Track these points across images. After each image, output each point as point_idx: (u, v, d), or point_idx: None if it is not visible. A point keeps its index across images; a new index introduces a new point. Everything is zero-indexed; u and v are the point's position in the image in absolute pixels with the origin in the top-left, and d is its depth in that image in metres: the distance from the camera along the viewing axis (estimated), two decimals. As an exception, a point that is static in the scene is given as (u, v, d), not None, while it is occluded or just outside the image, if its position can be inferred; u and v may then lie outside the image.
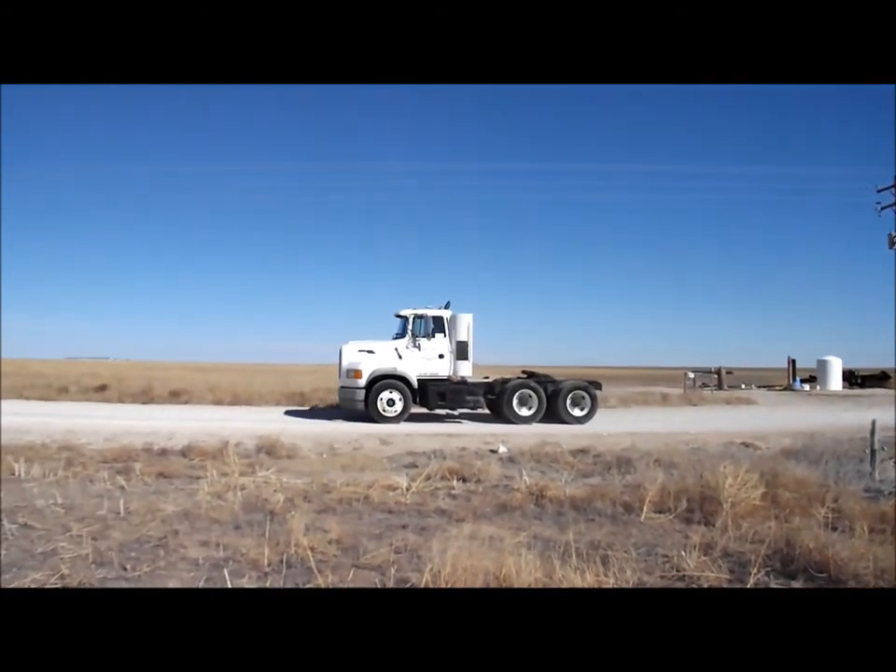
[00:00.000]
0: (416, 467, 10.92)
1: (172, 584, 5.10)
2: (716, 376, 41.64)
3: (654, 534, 7.02)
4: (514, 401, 19.22)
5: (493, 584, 4.99)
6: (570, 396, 19.45)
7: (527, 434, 15.45)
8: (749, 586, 5.28)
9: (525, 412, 19.22)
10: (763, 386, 45.15)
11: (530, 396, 19.31)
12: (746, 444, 14.44)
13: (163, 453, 11.97)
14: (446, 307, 19.85)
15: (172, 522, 7.04)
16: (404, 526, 7.13)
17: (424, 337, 19.35)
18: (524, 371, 21.54)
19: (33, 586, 4.97)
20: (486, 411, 20.34)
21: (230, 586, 5.07)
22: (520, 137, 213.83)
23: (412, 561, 5.88)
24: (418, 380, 19.17)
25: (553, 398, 19.38)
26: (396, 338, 19.65)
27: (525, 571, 5.08)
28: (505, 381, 19.87)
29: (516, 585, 4.94)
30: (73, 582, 5.11)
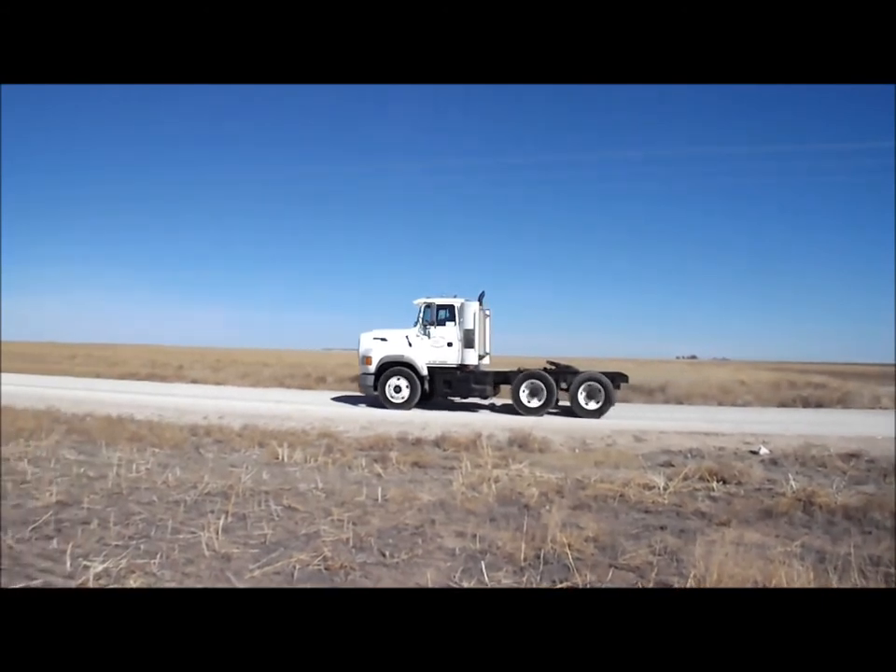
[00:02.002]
0: (673, 466, 10.88)
1: (430, 574, 5.53)
2: None
3: (946, 554, 6.45)
4: (523, 392, 19.41)
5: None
6: (584, 388, 19.23)
7: (790, 435, 14.69)
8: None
9: (533, 402, 19.38)
10: None
11: (541, 388, 19.36)
12: None
13: (417, 442, 12.92)
14: (480, 299, 20.18)
15: (428, 511, 7.64)
16: (662, 527, 7.18)
17: (431, 324, 20.06)
18: (548, 362, 21.23)
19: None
20: (499, 400, 21.10)
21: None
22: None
23: (672, 564, 5.92)
24: (428, 367, 19.95)
25: (568, 389, 19.43)
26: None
27: (796, 584, 4.97)
28: (519, 371, 20.02)
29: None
30: (335, 565, 5.75)
